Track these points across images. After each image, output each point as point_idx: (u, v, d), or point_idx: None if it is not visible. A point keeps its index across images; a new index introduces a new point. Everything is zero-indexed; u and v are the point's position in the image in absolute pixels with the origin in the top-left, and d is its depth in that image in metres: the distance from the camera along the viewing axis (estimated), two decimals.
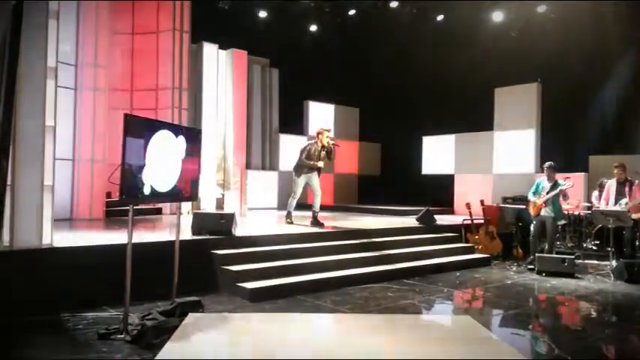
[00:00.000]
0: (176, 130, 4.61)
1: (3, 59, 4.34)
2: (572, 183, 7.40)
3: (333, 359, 3.49)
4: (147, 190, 4.05)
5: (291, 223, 7.71)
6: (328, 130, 7.84)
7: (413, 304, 5.15)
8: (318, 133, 7.71)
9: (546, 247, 7.44)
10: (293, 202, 7.84)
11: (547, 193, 7.34)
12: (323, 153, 7.63)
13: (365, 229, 7.65)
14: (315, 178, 7.66)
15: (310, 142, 7.85)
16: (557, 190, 7.26)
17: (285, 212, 7.97)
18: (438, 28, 12.10)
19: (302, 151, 7.65)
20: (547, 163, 7.63)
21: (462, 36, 11.49)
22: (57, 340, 3.79)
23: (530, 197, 7.59)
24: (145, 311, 4.25)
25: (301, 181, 7.65)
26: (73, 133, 8.14)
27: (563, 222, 8.51)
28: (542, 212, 7.38)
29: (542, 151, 10.51)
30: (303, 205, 12.33)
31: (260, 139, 12.57)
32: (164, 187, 4.35)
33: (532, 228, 7.54)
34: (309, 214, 7.80)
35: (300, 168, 7.65)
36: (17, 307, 4.21)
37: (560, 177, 7.69)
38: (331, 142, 7.67)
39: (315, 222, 7.54)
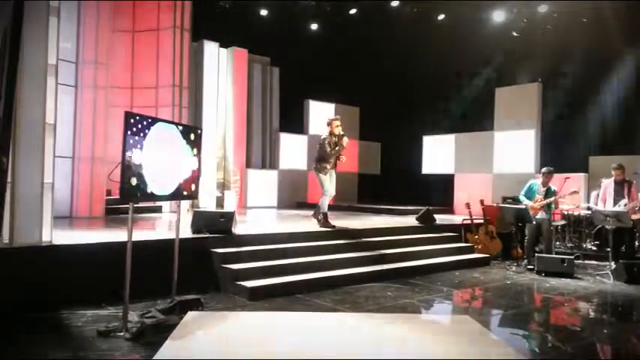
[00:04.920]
0: (176, 127, 4.61)
1: (3, 56, 4.34)
2: (577, 189, 7.43)
3: (332, 359, 3.49)
4: (147, 189, 4.05)
5: (334, 227, 7.15)
6: (338, 119, 7.35)
7: (412, 304, 5.15)
8: (328, 124, 7.25)
9: (543, 249, 7.46)
10: (326, 202, 7.27)
11: (543, 197, 7.39)
12: (338, 147, 7.16)
13: (365, 228, 7.65)
14: (333, 177, 7.34)
15: (324, 136, 7.27)
16: (553, 198, 7.35)
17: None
18: (438, 27, 12.09)
19: (321, 146, 7.19)
20: (545, 168, 7.70)
21: (462, 36, 11.48)
22: (56, 338, 3.79)
23: (523, 200, 7.62)
24: (144, 309, 4.26)
25: (326, 177, 7.21)
26: (73, 131, 8.13)
27: (563, 223, 8.53)
28: (539, 215, 7.41)
29: (543, 151, 10.51)
30: (304, 203, 12.37)
31: (260, 138, 12.57)
32: (164, 185, 4.35)
33: (527, 231, 7.56)
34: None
35: (323, 164, 7.20)
36: (17, 304, 4.22)
37: (560, 177, 7.69)
38: (342, 133, 7.21)
39: (325, 222, 7.21)
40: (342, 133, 7.25)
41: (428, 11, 12.09)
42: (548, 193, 7.44)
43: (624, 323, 5.13)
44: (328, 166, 7.22)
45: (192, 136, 4.76)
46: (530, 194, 7.60)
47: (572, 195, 7.45)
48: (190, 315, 4.22)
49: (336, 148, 7.16)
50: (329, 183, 7.26)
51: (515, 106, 10.77)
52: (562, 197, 7.47)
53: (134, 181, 3.87)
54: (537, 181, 7.64)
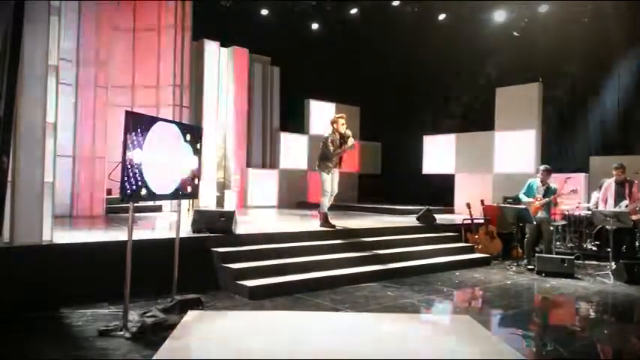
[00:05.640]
0: (177, 127, 4.61)
1: (4, 56, 4.34)
2: (576, 188, 7.43)
3: (332, 359, 3.49)
4: (147, 188, 4.05)
5: (334, 227, 7.07)
6: (343, 117, 7.16)
7: (412, 304, 5.15)
8: (333, 122, 7.11)
9: (544, 249, 7.47)
10: (326, 201, 7.15)
11: (543, 196, 7.40)
12: (343, 145, 7.01)
13: (365, 228, 7.65)
14: (336, 175, 7.23)
15: (326, 134, 7.13)
16: (553, 196, 7.38)
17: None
18: (439, 27, 12.09)
19: (324, 145, 7.05)
20: (542, 166, 7.77)
21: (463, 35, 11.48)
22: (56, 337, 3.79)
23: (523, 198, 7.63)
24: (144, 308, 4.26)
25: (328, 177, 7.08)
26: (73, 130, 8.13)
27: (563, 223, 8.53)
28: (538, 214, 7.42)
29: (543, 151, 10.51)
30: (304, 203, 12.36)
31: (260, 138, 12.57)
32: (164, 184, 4.35)
33: (527, 231, 7.57)
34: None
35: (326, 162, 7.07)
36: (17, 303, 4.22)
37: (561, 177, 7.70)
38: (348, 133, 7.07)
39: (326, 222, 7.15)
40: (347, 132, 7.10)
41: (428, 11, 12.09)
42: (548, 191, 7.45)
43: (624, 323, 5.13)
44: (331, 165, 7.11)
45: (192, 136, 4.76)
46: (529, 193, 7.62)
47: (570, 194, 7.46)
48: (190, 314, 4.22)
49: (340, 148, 7.03)
50: (330, 183, 7.15)
51: (515, 106, 10.76)
52: (560, 196, 7.47)
53: (134, 181, 3.88)
54: (536, 180, 7.66)
